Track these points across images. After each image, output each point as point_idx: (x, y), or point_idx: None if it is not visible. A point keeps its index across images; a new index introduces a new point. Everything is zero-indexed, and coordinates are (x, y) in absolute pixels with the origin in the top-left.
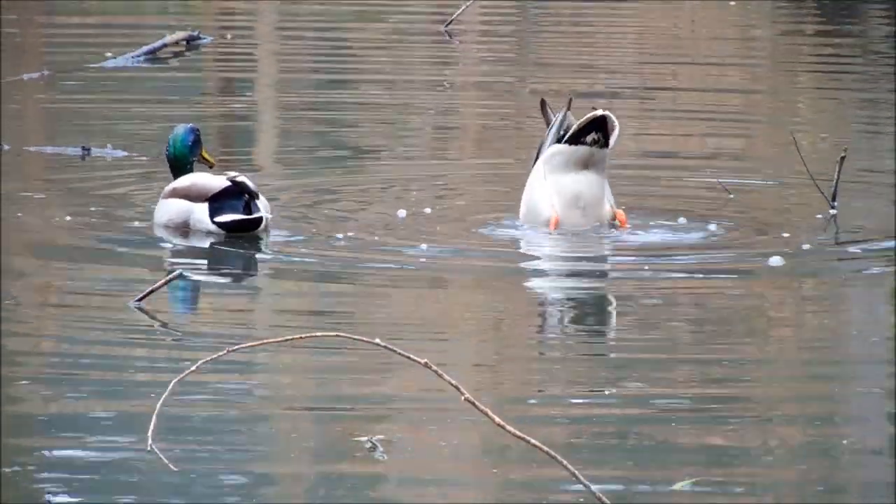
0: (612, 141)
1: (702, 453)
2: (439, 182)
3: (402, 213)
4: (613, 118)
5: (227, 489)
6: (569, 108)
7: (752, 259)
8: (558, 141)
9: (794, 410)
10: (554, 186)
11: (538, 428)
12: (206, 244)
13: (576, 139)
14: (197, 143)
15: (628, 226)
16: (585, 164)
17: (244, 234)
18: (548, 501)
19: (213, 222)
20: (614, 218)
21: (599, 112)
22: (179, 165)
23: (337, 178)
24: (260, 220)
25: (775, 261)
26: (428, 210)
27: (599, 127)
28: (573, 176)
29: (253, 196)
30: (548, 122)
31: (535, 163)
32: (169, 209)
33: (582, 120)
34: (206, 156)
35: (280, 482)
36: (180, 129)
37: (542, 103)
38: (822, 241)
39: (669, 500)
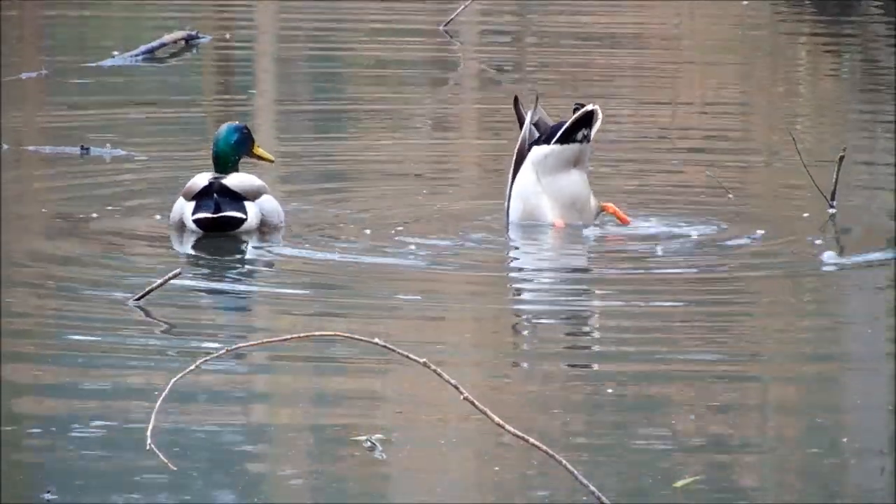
0: (592, 133)
1: (703, 453)
2: (435, 180)
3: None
4: (599, 112)
5: (225, 488)
6: (537, 105)
7: (751, 260)
8: (546, 140)
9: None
10: (549, 189)
11: (537, 427)
12: (205, 243)
13: (567, 137)
14: (243, 141)
15: (630, 221)
16: (575, 162)
17: (223, 233)
18: (547, 501)
19: (193, 220)
20: (600, 211)
21: (590, 107)
22: (223, 163)
23: (337, 176)
24: (234, 219)
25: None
26: (423, 208)
27: (587, 122)
28: (566, 177)
29: (232, 196)
30: (520, 120)
31: (514, 160)
32: (173, 208)
33: (574, 117)
34: (259, 153)
35: (279, 481)
36: (224, 127)
37: (515, 100)
38: (821, 241)
39: (670, 500)
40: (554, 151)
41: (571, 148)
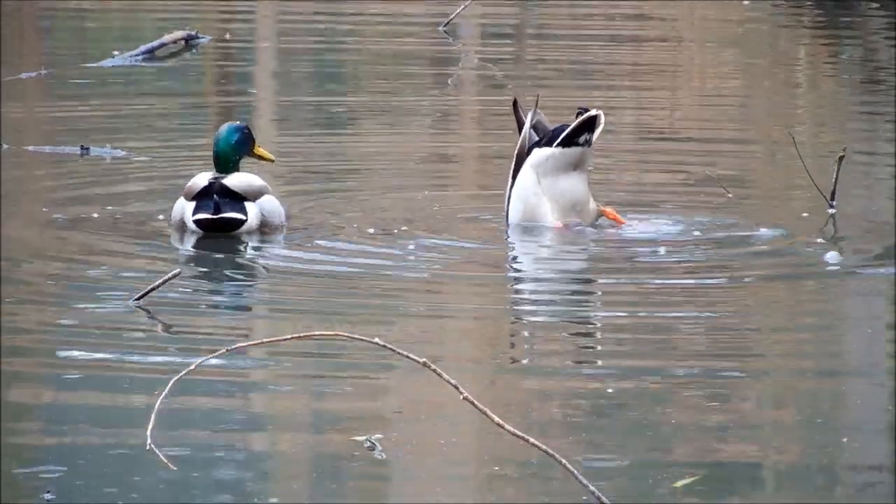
0: (594, 137)
1: (703, 454)
2: (436, 178)
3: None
4: (602, 116)
5: (225, 488)
6: (536, 107)
7: (752, 261)
8: (548, 143)
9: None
10: (550, 191)
11: (537, 428)
12: (205, 243)
13: (569, 141)
14: (244, 141)
15: (625, 222)
16: (576, 165)
17: (223, 234)
18: (547, 501)
19: (193, 221)
20: (600, 215)
21: (593, 112)
22: (223, 163)
23: (338, 175)
24: (234, 220)
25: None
26: (421, 204)
27: (590, 126)
28: (566, 180)
29: (232, 196)
30: (519, 122)
31: (514, 163)
32: (174, 208)
33: (577, 121)
34: (259, 152)
35: (279, 481)
36: (225, 127)
37: (514, 103)
38: (821, 242)
39: (670, 500)
40: (555, 154)
41: (573, 151)
